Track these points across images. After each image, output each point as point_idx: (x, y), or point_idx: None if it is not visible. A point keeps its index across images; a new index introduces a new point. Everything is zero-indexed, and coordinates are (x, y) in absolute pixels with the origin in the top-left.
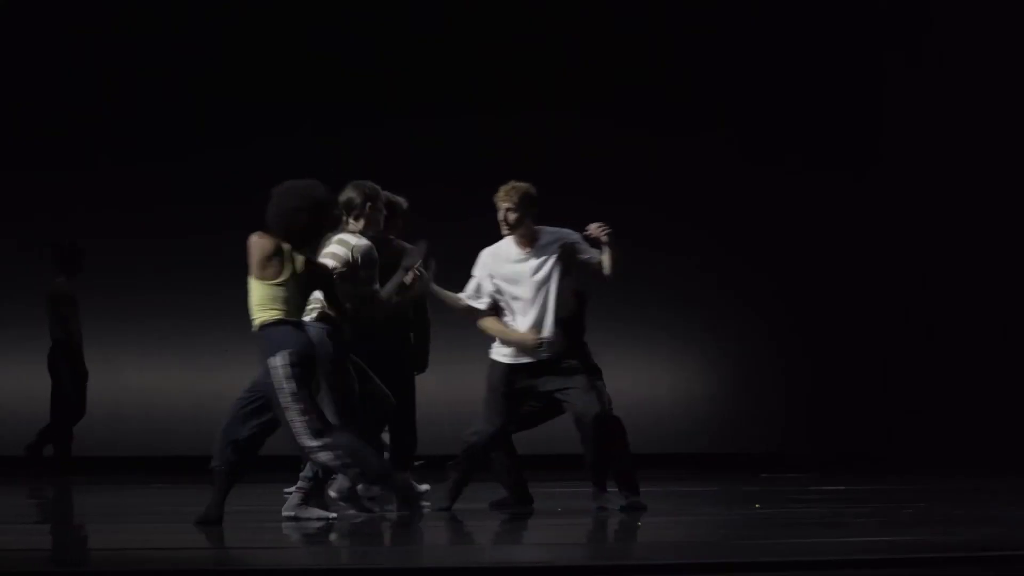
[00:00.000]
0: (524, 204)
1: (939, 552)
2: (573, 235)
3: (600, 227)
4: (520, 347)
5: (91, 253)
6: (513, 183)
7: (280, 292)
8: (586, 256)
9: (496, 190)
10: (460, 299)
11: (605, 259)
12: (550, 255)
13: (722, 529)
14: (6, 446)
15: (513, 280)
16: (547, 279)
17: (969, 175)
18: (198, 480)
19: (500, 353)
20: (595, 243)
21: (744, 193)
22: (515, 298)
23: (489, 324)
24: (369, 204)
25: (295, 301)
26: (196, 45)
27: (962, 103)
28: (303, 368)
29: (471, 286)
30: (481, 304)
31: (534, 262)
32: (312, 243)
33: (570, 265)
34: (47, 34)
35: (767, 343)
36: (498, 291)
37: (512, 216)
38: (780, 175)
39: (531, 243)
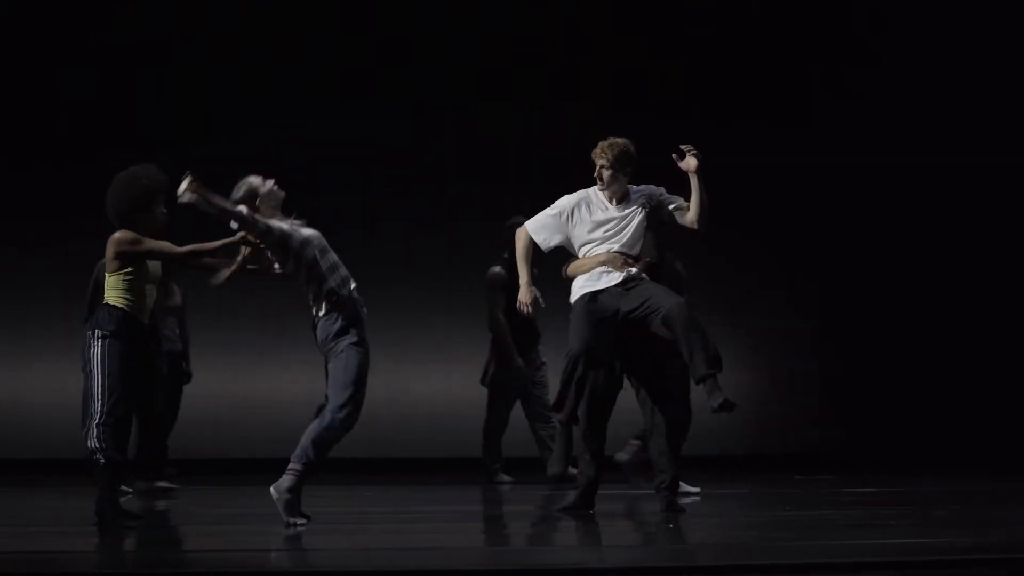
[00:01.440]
0: (620, 161)
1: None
2: (660, 189)
3: (691, 148)
4: (608, 263)
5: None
6: (612, 139)
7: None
8: (673, 204)
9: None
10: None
11: (692, 198)
12: (636, 209)
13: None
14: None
15: (594, 228)
16: (628, 230)
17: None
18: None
19: (581, 289)
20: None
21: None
22: (592, 243)
23: (572, 265)
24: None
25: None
26: (181, 42)
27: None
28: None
29: (545, 220)
30: (545, 245)
31: (619, 216)
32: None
33: (656, 219)
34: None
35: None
36: (569, 234)
37: (607, 173)
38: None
39: (621, 200)
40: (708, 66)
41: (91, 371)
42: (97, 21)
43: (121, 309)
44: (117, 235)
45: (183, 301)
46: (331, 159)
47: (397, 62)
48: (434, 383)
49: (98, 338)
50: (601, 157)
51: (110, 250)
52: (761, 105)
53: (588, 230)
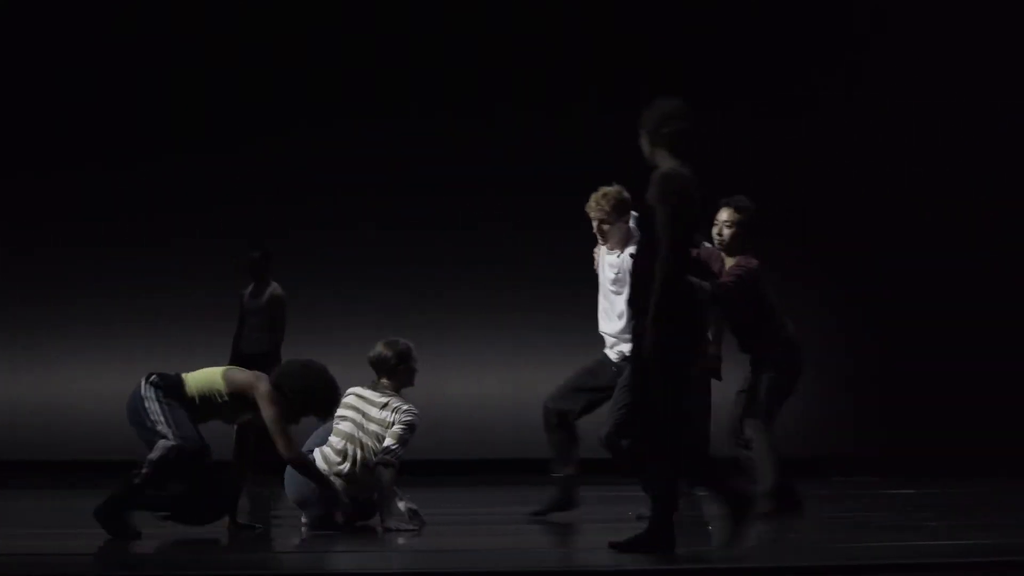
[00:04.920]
0: (618, 211)
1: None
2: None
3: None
4: None
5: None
6: (603, 189)
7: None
8: None
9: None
10: None
11: None
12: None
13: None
14: None
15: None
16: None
17: None
18: None
19: None
20: None
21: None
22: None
23: None
24: (401, 365)
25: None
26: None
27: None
28: None
29: None
30: None
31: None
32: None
33: None
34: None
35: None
36: None
37: (605, 228)
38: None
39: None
40: (714, 63)
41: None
42: (97, 21)
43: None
44: (272, 404)
45: (267, 300)
46: (330, 159)
47: (397, 63)
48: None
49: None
50: (596, 211)
51: (257, 393)
52: (785, 102)
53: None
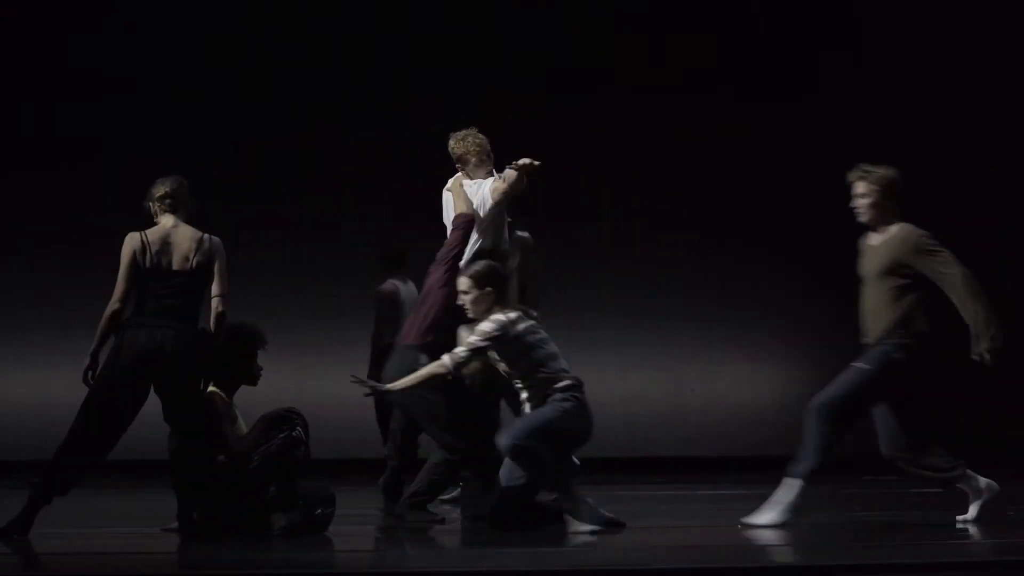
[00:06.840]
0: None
1: None
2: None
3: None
4: None
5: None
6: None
7: None
8: None
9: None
10: None
11: None
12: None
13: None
14: None
15: None
16: None
17: None
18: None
19: None
20: None
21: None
22: None
23: None
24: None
25: None
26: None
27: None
28: None
29: None
30: None
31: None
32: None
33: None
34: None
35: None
36: None
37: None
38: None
39: None
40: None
41: None
42: (97, 21)
43: None
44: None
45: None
46: (330, 159)
47: (396, 61)
48: None
49: None
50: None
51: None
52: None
53: None
